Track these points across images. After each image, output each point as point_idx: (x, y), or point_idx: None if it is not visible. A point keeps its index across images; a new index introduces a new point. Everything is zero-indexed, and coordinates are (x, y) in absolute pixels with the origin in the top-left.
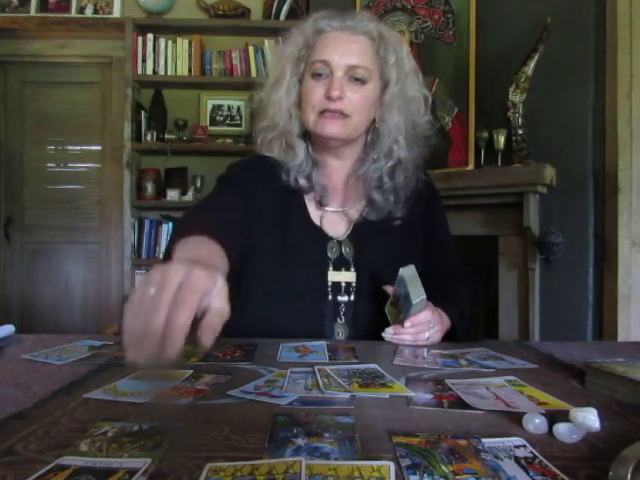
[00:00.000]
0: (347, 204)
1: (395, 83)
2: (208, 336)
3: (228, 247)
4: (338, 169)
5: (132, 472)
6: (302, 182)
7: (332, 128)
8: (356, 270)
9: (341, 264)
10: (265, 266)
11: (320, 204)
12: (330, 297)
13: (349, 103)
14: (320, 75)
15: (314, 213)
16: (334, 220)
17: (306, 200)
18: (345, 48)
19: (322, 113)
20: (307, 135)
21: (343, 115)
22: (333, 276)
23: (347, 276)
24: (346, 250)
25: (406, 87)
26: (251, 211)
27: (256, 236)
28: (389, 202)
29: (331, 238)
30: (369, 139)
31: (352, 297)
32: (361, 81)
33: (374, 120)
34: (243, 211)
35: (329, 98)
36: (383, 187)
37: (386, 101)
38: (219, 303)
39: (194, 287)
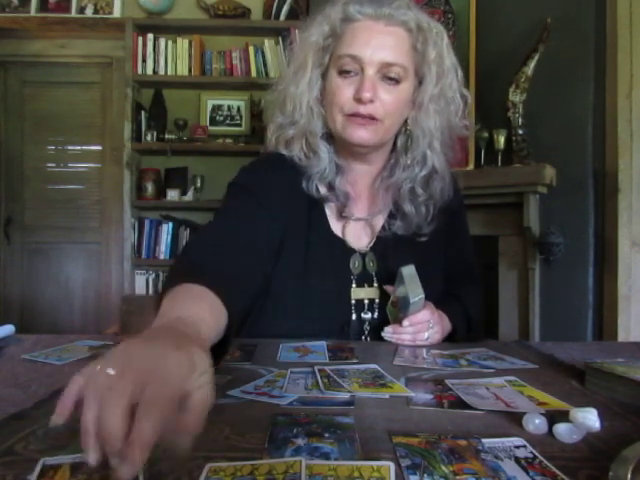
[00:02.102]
0: (372, 212)
1: (435, 82)
2: (186, 437)
3: (235, 293)
4: (363, 174)
5: None
6: (323, 191)
7: (362, 134)
8: (379, 286)
9: (364, 279)
10: (286, 284)
11: (341, 214)
12: (354, 316)
13: (381, 106)
14: (348, 72)
15: (335, 224)
16: (357, 230)
17: (326, 209)
18: (379, 41)
19: (350, 116)
20: (330, 135)
21: (374, 119)
22: (356, 293)
23: (370, 292)
24: (369, 264)
25: (445, 87)
26: (275, 228)
27: (278, 253)
28: (420, 215)
29: (354, 251)
30: (400, 143)
31: (376, 315)
32: (396, 80)
33: (406, 121)
34: (267, 230)
35: (359, 100)
36: (417, 199)
37: (422, 102)
38: (201, 393)
39: (166, 379)
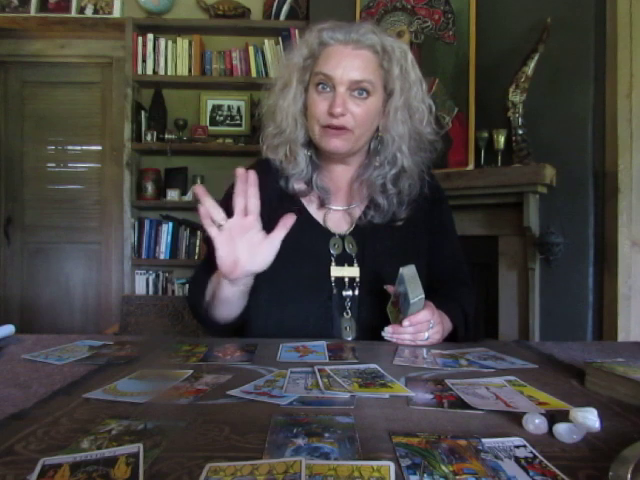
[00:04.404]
0: (351, 204)
1: (400, 95)
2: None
3: None
4: (342, 173)
5: (132, 456)
6: (299, 186)
7: (335, 143)
8: (359, 265)
9: (344, 260)
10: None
11: (322, 204)
12: (335, 292)
13: (352, 118)
14: (323, 88)
15: (316, 212)
16: (337, 218)
17: (304, 201)
18: (348, 63)
19: (325, 127)
20: (311, 142)
21: (346, 129)
22: (336, 271)
23: (350, 271)
24: (349, 246)
25: (410, 98)
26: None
27: None
28: (392, 205)
29: (333, 234)
30: (372, 146)
31: (356, 292)
32: (364, 95)
33: (377, 128)
34: None
35: (331, 114)
36: (387, 192)
37: (390, 111)
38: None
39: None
